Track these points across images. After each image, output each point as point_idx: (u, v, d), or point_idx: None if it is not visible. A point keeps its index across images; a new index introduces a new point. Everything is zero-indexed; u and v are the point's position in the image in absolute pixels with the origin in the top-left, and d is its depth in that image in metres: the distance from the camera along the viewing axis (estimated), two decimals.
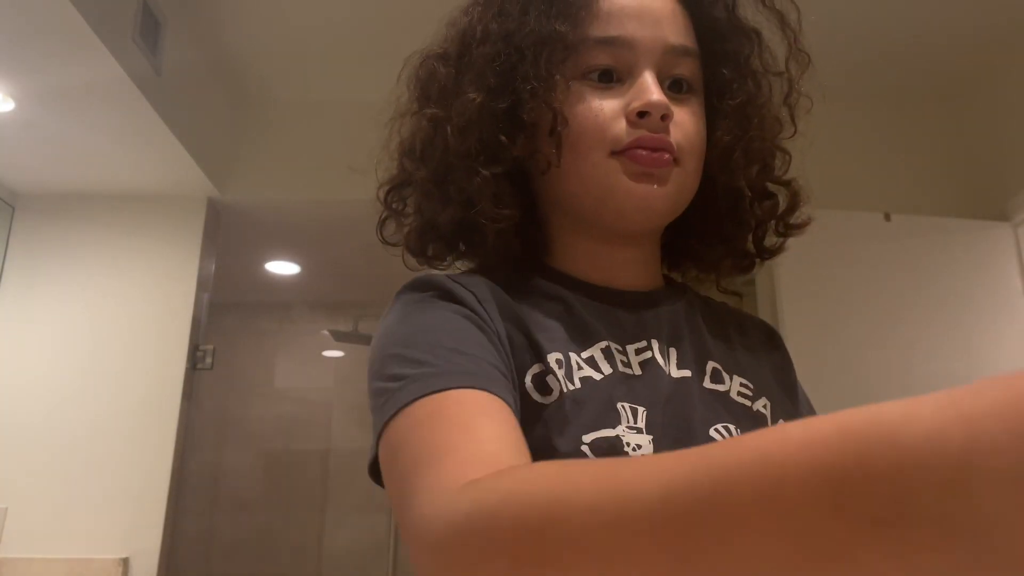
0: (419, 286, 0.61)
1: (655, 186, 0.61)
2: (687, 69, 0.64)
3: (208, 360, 2.51)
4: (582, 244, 0.67)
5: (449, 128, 0.63)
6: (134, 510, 2.28)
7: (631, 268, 0.67)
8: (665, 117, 0.60)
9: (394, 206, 0.70)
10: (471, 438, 0.44)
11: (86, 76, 1.90)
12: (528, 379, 0.56)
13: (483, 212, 0.62)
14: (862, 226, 2.20)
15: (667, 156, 0.61)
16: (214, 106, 2.59)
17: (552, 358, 0.58)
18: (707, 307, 0.72)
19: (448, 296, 0.59)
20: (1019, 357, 2.16)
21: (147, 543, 2.25)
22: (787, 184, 0.69)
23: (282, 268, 3.59)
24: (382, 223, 0.71)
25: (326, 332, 4.05)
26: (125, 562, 2.22)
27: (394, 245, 0.72)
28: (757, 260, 0.71)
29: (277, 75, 2.65)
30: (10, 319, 2.42)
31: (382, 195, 0.71)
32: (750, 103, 0.66)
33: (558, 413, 0.55)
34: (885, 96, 2.56)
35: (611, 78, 0.63)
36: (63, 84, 1.95)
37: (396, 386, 0.50)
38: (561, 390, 0.56)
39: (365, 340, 3.93)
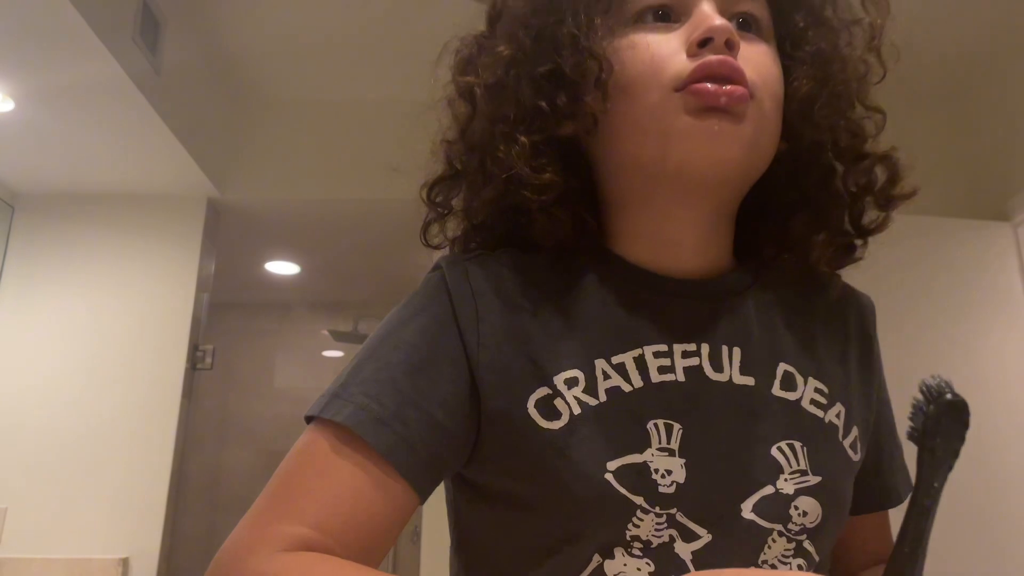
0: (438, 271, 0.59)
1: (729, 124, 0.52)
2: (753, 8, 0.57)
3: (208, 360, 2.51)
4: (643, 219, 0.59)
5: (478, 91, 0.58)
6: (134, 510, 2.28)
7: (695, 247, 0.58)
8: (731, 44, 0.52)
9: (438, 200, 0.63)
10: (318, 500, 0.49)
11: (86, 76, 1.90)
12: (531, 404, 0.52)
13: (521, 180, 0.55)
14: None
15: (741, 89, 0.52)
16: (214, 106, 2.58)
17: (561, 379, 0.53)
18: (791, 291, 0.62)
19: (450, 301, 0.56)
20: (1019, 357, 2.16)
21: (147, 543, 2.25)
22: (884, 158, 0.60)
23: (282, 268, 3.59)
24: (426, 226, 0.65)
25: (326, 332, 4.05)
26: (125, 562, 2.22)
27: (438, 248, 0.66)
28: (858, 241, 0.61)
29: (277, 75, 2.65)
30: (10, 319, 2.42)
31: (424, 194, 0.64)
32: (829, 48, 0.58)
33: (572, 437, 0.51)
34: (885, 96, 2.55)
35: (668, 17, 0.56)
36: (63, 84, 1.95)
37: (335, 390, 0.54)
38: (571, 413, 0.52)
39: (365, 340, 3.93)
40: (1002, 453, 2.06)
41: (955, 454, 0.36)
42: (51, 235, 2.51)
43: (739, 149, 0.53)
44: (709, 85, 0.51)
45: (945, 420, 0.36)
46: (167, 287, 2.49)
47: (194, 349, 2.49)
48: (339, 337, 3.99)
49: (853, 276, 0.65)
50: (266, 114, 2.74)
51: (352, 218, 2.90)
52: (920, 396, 0.37)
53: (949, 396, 0.36)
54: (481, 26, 0.62)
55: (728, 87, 0.51)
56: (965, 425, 0.37)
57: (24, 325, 2.42)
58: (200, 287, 2.53)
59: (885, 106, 0.65)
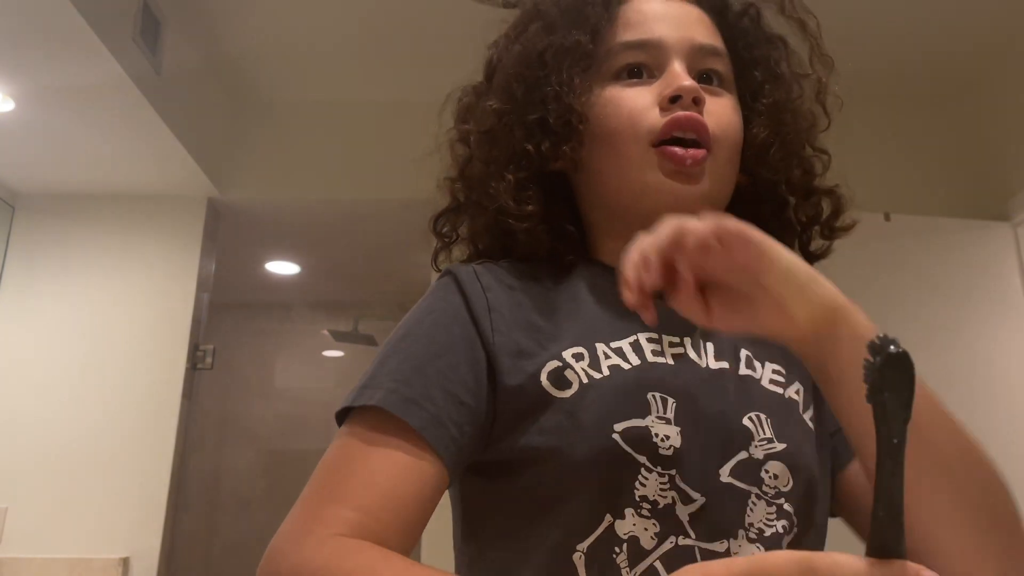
0: (449, 274, 0.66)
1: (690, 186, 0.63)
2: (717, 65, 0.67)
3: (208, 360, 2.51)
4: (621, 241, 0.66)
5: (472, 138, 0.70)
6: (134, 510, 2.28)
7: None
8: (697, 100, 0.63)
9: (444, 231, 0.74)
10: (359, 483, 0.53)
11: (86, 76, 1.90)
12: (544, 376, 0.58)
13: (506, 210, 0.65)
14: (862, 226, 2.19)
15: (701, 152, 0.62)
16: (214, 106, 2.59)
17: (569, 353, 0.59)
18: None
19: (462, 297, 0.62)
20: (1019, 357, 2.16)
21: (147, 543, 2.25)
22: (829, 193, 0.71)
23: (282, 268, 3.59)
24: (436, 254, 0.75)
25: (326, 332, 4.05)
26: (125, 562, 2.22)
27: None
28: None
29: (277, 76, 2.65)
30: (10, 319, 2.43)
31: (431, 224, 0.74)
32: (783, 101, 0.69)
33: (581, 403, 0.57)
34: (885, 96, 2.55)
35: (641, 74, 0.66)
36: (63, 84, 1.95)
37: (364, 382, 0.58)
38: (580, 382, 0.58)
39: (365, 340, 3.93)
40: (1003, 452, 2.05)
41: (906, 406, 0.38)
42: (51, 235, 2.51)
43: (698, 205, 0.62)
44: (678, 150, 0.62)
45: (889, 372, 0.38)
46: (167, 287, 2.49)
47: (194, 349, 2.49)
48: (339, 337, 3.99)
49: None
50: (266, 114, 2.74)
51: (352, 218, 2.90)
52: (868, 357, 0.39)
53: (892, 348, 0.38)
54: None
55: (692, 151, 0.62)
56: (911, 376, 0.39)
57: (24, 325, 2.42)
58: (200, 287, 2.53)
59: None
